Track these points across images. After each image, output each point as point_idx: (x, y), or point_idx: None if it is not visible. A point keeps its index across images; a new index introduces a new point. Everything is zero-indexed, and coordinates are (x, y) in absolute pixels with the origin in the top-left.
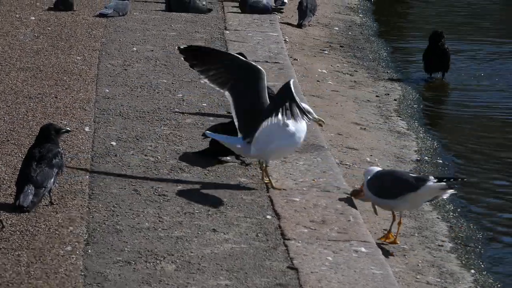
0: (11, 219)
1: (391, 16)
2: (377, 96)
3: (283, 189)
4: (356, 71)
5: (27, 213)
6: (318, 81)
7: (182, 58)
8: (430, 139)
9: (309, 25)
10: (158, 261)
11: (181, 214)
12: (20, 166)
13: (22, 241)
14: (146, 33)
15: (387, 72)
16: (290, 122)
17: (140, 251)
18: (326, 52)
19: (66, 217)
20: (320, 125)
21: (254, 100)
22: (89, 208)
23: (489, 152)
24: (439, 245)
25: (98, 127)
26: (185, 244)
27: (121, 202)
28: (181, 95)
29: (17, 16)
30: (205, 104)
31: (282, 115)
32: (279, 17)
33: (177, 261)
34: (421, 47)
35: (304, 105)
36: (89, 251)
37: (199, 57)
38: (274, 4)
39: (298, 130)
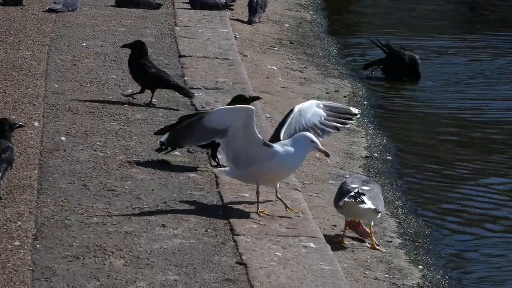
0: None
1: (342, 13)
2: (327, 92)
3: (267, 214)
4: (306, 67)
5: None
6: (268, 77)
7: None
8: (379, 135)
9: (259, 22)
10: (106, 256)
11: (130, 209)
12: None
13: None
14: (96, 29)
15: (337, 69)
16: (275, 145)
17: (88, 246)
18: (276, 48)
19: (15, 212)
20: (327, 155)
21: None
22: (37, 203)
23: (437, 148)
24: (387, 241)
25: (47, 122)
26: (134, 239)
27: (70, 197)
28: (130, 90)
29: None
30: (155, 100)
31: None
32: (229, 14)
33: (126, 256)
34: (370, 43)
35: (309, 135)
36: (38, 246)
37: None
38: (224, 1)
39: (284, 155)
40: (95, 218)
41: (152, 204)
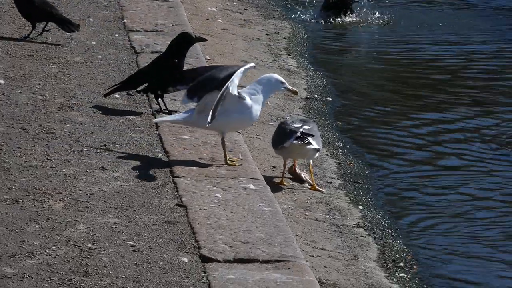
0: None
1: None
2: (267, 34)
3: (239, 164)
4: (246, 9)
5: None
6: (208, 19)
7: None
8: (319, 77)
9: None
10: (46, 199)
11: (70, 152)
12: None
13: None
14: None
15: (277, 11)
16: (247, 97)
17: (27, 189)
18: None
19: None
20: (295, 93)
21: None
22: None
23: (377, 89)
24: (327, 182)
25: None
26: (73, 182)
27: (9, 140)
28: (69, 33)
29: None
30: (94, 43)
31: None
32: None
33: (65, 199)
34: None
35: (276, 76)
36: None
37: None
38: None
39: (255, 105)
40: (34, 162)
41: (92, 147)
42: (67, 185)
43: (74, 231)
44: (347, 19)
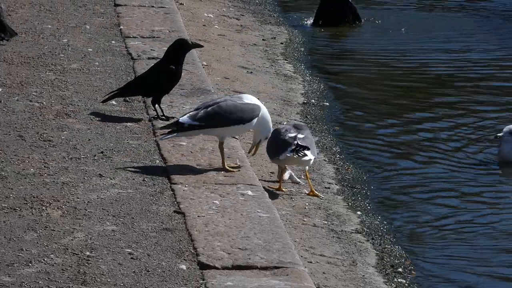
0: None
1: None
2: (263, 39)
3: (237, 170)
4: (243, 15)
5: None
6: (204, 25)
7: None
8: (316, 82)
9: None
10: (43, 207)
11: (67, 159)
12: None
13: None
14: None
15: (273, 16)
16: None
17: (25, 198)
18: None
19: None
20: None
21: None
22: None
23: (375, 94)
24: (325, 187)
25: None
26: (71, 190)
27: (6, 148)
28: (66, 40)
29: None
30: (90, 49)
31: None
32: None
33: (63, 207)
34: None
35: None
36: None
37: None
38: None
39: None
40: (32, 169)
41: (89, 154)
42: (65, 192)
43: (72, 239)
44: (343, 24)
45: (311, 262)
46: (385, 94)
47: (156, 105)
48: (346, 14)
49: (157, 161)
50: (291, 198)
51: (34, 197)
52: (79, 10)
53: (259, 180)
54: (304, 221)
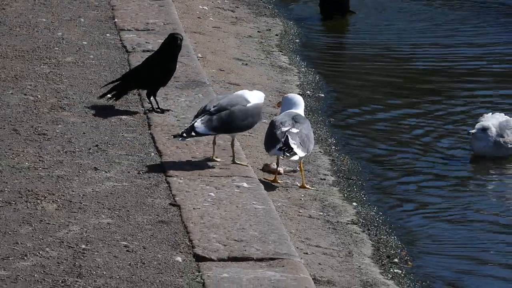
0: None
1: None
2: (258, 31)
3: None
4: (238, 7)
5: None
6: (199, 17)
7: None
8: (311, 73)
9: None
10: (38, 201)
11: (62, 153)
12: None
13: None
14: None
15: (268, 8)
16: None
17: (20, 191)
18: None
19: None
20: None
21: None
22: None
23: (370, 85)
24: (321, 179)
25: None
26: (66, 183)
27: (1, 142)
28: (60, 33)
29: None
30: (85, 43)
31: None
32: None
33: (58, 200)
34: None
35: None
36: None
37: None
38: None
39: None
40: (26, 163)
41: (84, 147)
42: (60, 186)
43: (67, 232)
44: (340, 16)
45: (307, 253)
46: (381, 85)
47: (152, 98)
48: (344, 6)
49: (152, 154)
50: (287, 189)
51: (29, 191)
52: (73, 3)
53: (255, 171)
54: (299, 212)
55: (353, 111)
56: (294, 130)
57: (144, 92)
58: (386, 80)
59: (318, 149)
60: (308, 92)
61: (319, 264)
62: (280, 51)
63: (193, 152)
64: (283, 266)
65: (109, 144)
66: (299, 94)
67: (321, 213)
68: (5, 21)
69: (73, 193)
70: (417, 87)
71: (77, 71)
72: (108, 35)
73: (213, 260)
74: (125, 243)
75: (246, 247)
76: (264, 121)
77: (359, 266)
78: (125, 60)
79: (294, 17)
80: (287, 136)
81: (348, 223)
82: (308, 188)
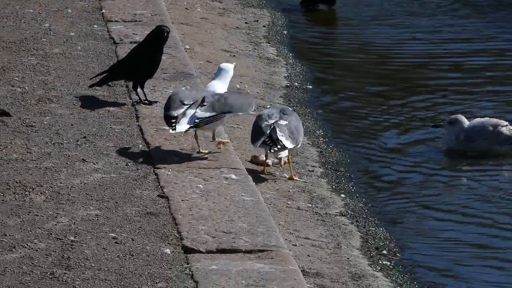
0: None
1: None
2: (246, 23)
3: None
4: None
5: None
6: (186, 8)
7: None
8: (299, 65)
9: None
10: (26, 193)
11: (50, 144)
12: None
13: None
14: None
15: None
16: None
17: (8, 183)
18: None
19: None
20: None
21: None
22: None
23: (357, 77)
24: (309, 171)
25: None
26: (54, 175)
27: None
28: (48, 24)
29: None
30: (72, 34)
31: None
32: None
33: (46, 192)
34: None
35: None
36: None
37: None
38: None
39: None
40: (14, 155)
41: (72, 139)
42: (48, 178)
43: (55, 224)
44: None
45: (295, 245)
46: (368, 77)
47: (139, 89)
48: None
49: (140, 145)
50: (275, 181)
51: (17, 182)
52: None
53: (243, 162)
54: (288, 204)
55: (341, 103)
56: (283, 122)
57: (131, 84)
58: (374, 72)
59: (306, 141)
60: (296, 83)
61: (308, 256)
62: (268, 43)
63: (181, 144)
64: (272, 258)
65: (97, 135)
66: (287, 86)
67: (310, 205)
68: None
69: (61, 184)
70: (405, 78)
71: (64, 63)
72: (95, 26)
73: (201, 252)
74: (113, 235)
75: (235, 239)
76: (252, 112)
77: (348, 258)
78: (112, 51)
79: (281, 8)
80: (273, 128)
81: (337, 214)
82: (297, 180)
